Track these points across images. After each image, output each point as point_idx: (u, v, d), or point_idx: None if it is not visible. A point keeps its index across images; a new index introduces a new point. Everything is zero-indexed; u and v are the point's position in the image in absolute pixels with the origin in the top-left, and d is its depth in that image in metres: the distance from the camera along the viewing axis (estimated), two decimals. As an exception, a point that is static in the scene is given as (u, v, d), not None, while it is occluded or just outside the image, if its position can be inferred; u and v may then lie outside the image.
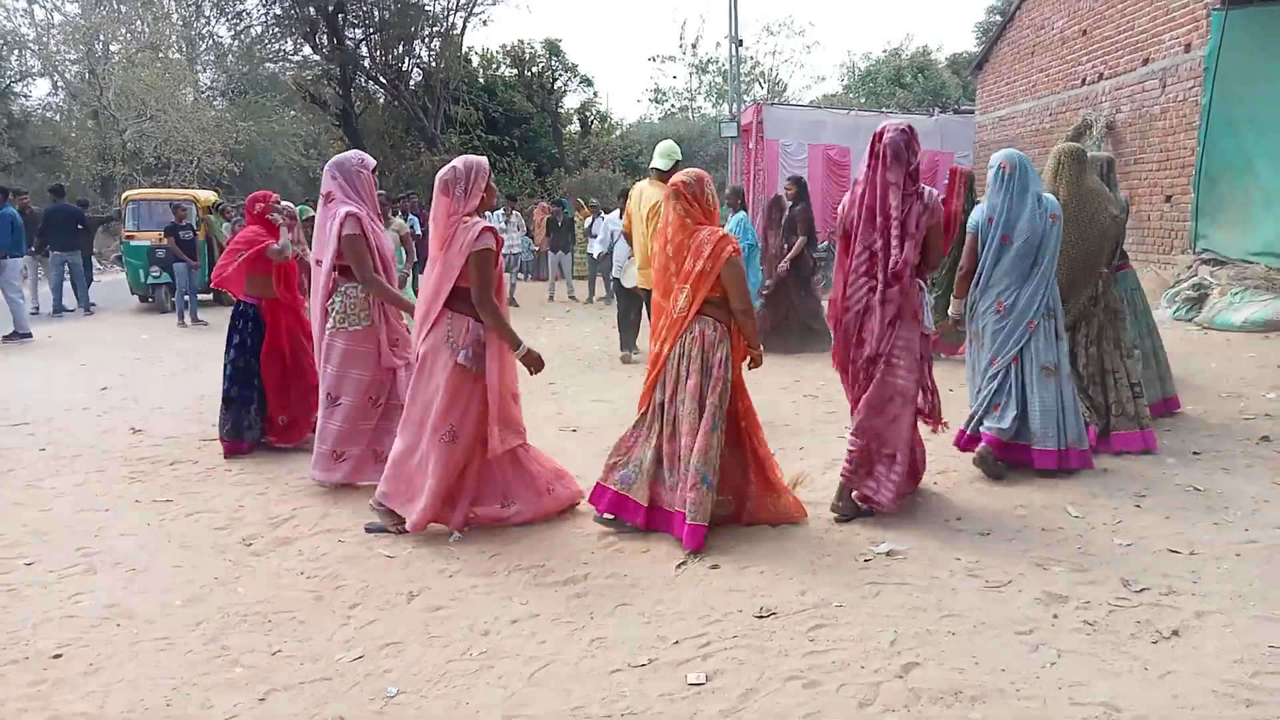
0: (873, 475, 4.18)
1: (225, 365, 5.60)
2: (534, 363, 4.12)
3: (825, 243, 11.97)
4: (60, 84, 27.96)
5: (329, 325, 4.71)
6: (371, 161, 4.90)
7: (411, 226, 13.47)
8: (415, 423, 4.08)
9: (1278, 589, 3.32)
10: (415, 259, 12.90)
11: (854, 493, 4.22)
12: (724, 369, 3.88)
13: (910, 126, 4.12)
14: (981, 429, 4.81)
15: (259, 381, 5.58)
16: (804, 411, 6.56)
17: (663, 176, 6.39)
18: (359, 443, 4.78)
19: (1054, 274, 4.72)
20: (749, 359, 4.07)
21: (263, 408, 5.62)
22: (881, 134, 4.07)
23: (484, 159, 4.09)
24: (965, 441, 4.93)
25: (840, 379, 4.39)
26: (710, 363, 3.89)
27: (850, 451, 4.19)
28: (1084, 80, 12.31)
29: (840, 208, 4.29)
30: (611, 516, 4.13)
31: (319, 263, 4.75)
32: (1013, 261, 4.67)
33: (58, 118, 29.44)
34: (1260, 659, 2.82)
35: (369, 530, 4.20)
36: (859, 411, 4.17)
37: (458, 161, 4.04)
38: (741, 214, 9.25)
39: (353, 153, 4.88)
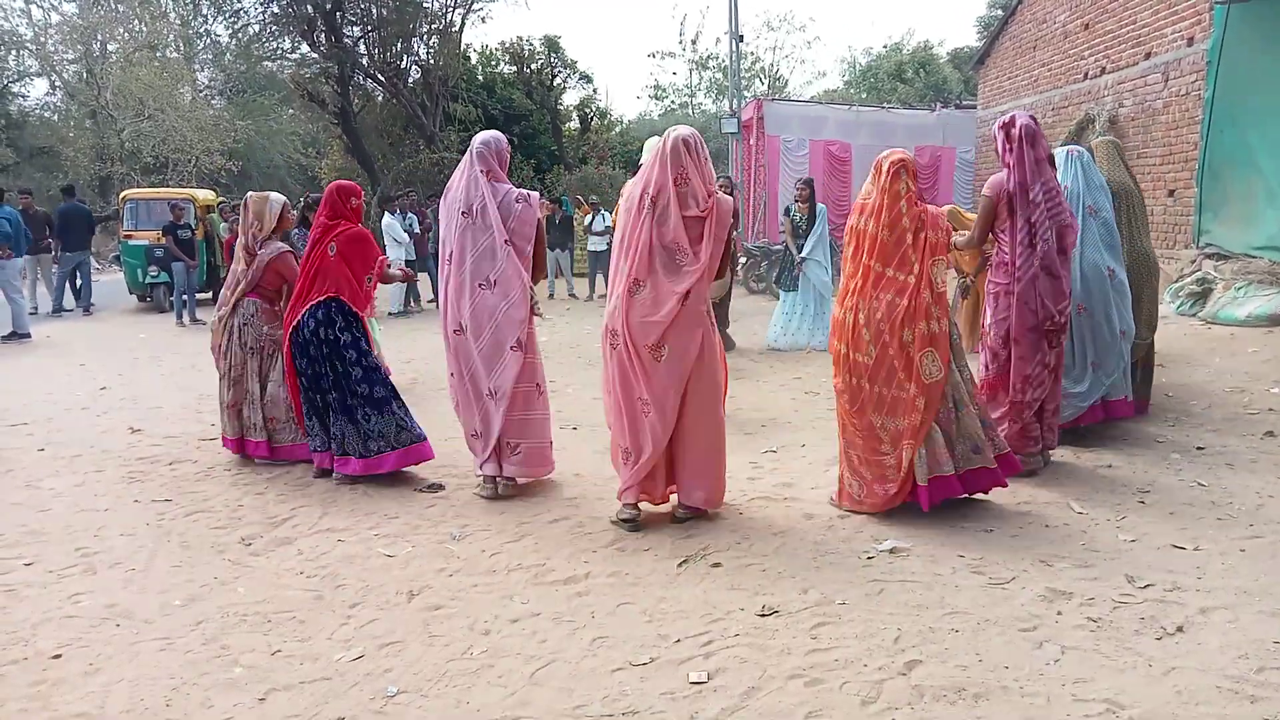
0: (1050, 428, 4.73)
1: (373, 371, 4.95)
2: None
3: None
4: (58, 84, 27.95)
5: (535, 310, 4.62)
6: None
7: (410, 225, 13.43)
8: (695, 411, 4.05)
9: (1283, 584, 3.30)
10: (413, 257, 12.92)
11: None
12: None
13: (1034, 116, 4.60)
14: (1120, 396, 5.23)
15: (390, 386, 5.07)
16: (804, 409, 6.54)
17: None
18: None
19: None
20: None
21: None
22: (1012, 122, 4.51)
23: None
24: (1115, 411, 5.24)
25: (988, 355, 4.73)
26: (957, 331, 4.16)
27: (1025, 416, 4.60)
28: (1086, 75, 12.26)
29: (991, 187, 4.57)
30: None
31: (505, 243, 4.51)
32: (1102, 234, 5.10)
33: (55, 118, 29.43)
34: (1265, 655, 2.80)
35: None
36: (1036, 379, 4.56)
37: (687, 134, 3.96)
38: None
39: (499, 134, 4.71)
